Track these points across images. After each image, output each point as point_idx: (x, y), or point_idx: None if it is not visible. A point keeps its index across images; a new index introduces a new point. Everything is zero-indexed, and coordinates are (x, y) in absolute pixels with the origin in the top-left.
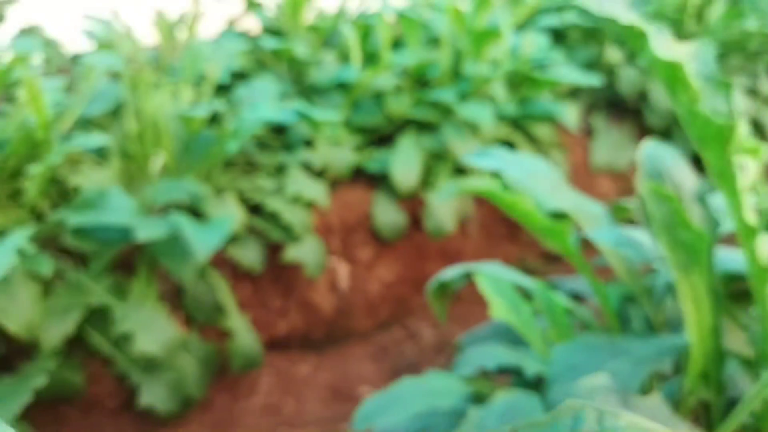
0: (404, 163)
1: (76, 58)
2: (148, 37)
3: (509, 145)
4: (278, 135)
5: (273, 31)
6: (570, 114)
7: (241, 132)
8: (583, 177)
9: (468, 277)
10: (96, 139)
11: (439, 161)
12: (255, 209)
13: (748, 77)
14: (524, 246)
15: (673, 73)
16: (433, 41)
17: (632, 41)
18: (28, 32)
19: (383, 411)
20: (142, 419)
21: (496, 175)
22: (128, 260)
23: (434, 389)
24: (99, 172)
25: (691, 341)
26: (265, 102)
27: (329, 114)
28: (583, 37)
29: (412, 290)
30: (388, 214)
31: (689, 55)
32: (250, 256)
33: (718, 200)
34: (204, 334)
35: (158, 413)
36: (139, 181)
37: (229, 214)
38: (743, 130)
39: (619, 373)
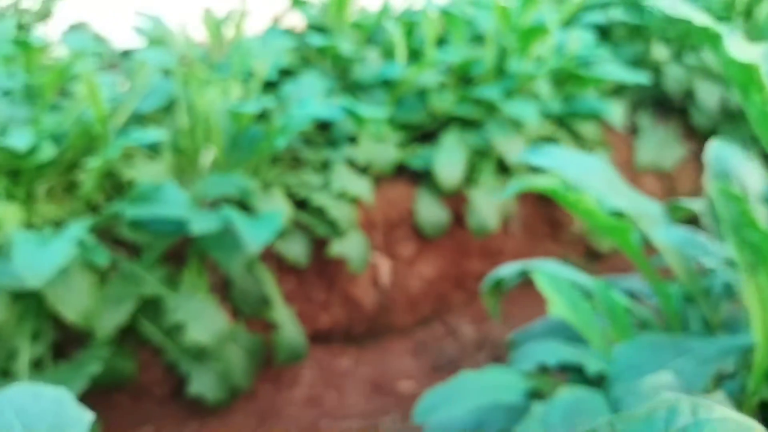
0: (448, 159)
1: (125, 54)
2: (195, 34)
3: (554, 142)
4: (323, 131)
5: (317, 28)
6: (615, 112)
7: (290, 128)
8: (627, 176)
9: (522, 275)
10: (152, 134)
11: (482, 158)
12: (301, 204)
13: None
14: (566, 245)
15: (747, 74)
16: (477, 38)
17: (706, 42)
18: (77, 28)
19: (443, 404)
20: (189, 407)
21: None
22: (179, 252)
23: (494, 384)
24: (152, 165)
25: (756, 341)
26: (311, 98)
27: (375, 110)
28: (628, 34)
29: (453, 287)
30: (430, 211)
31: (763, 57)
32: (296, 250)
33: None
34: (250, 326)
35: (206, 402)
36: (189, 175)
37: (278, 209)
38: None
39: (683, 372)
